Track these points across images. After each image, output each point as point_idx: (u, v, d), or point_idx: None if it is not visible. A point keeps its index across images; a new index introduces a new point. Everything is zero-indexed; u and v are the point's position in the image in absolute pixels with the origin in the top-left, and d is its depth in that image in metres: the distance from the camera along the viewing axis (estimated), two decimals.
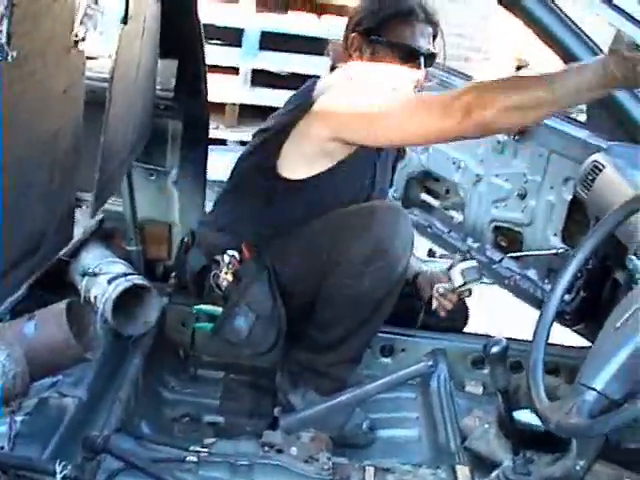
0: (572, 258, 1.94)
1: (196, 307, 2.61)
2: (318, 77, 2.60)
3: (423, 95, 2.54)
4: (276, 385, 2.68)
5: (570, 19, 2.83)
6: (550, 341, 2.14)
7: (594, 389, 1.58)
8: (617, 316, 1.66)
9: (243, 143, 3.84)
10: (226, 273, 2.52)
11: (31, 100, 1.75)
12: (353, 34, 2.66)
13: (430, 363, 2.28)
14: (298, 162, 2.54)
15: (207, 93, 3.07)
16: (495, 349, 2.17)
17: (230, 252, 2.54)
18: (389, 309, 2.55)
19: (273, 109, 2.72)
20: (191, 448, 2.25)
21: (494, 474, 2.24)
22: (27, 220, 1.88)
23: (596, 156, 2.74)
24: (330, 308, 2.50)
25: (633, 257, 1.92)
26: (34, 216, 1.92)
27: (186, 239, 2.74)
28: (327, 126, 2.43)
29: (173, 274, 2.98)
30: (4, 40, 1.51)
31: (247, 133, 4.23)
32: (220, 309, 2.54)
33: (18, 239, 1.85)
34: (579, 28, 2.83)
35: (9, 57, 1.53)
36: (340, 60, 2.69)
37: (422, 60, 2.62)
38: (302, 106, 2.49)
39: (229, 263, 2.52)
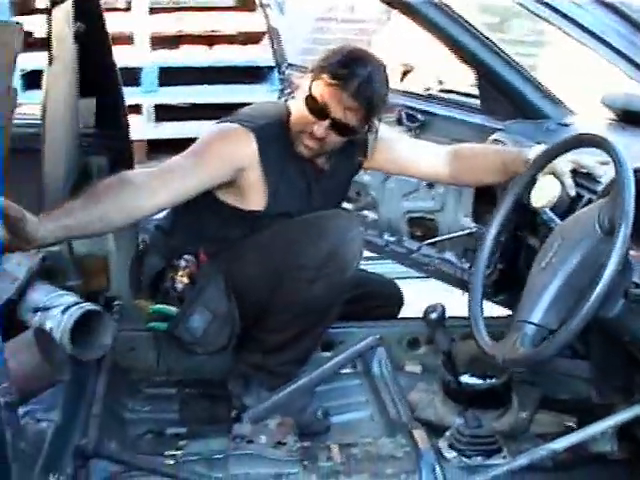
0: (489, 228, 2.16)
1: (152, 307, 2.68)
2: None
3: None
4: (229, 391, 2.79)
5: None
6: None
7: (532, 322, 1.79)
8: (541, 258, 1.88)
9: None
10: (182, 276, 2.64)
11: None
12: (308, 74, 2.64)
13: (370, 340, 2.46)
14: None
15: (128, 127, 3.19)
16: (434, 314, 2.38)
17: (187, 257, 2.66)
18: (337, 312, 2.70)
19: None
20: (166, 453, 2.38)
21: (449, 432, 2.42)
22: None
23: (496, 135, 2.99)
24: (282, 312, 2.62)
25: (546, 209, 2.14)
26: None
27: (141, 245, 2.85)
28: None
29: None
30: None
31: None
32: (175, 309, 2.63)
33: None
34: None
35: None
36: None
37: (328, 123, 2.55)
38: None
39: (186, 267, 2.65)
